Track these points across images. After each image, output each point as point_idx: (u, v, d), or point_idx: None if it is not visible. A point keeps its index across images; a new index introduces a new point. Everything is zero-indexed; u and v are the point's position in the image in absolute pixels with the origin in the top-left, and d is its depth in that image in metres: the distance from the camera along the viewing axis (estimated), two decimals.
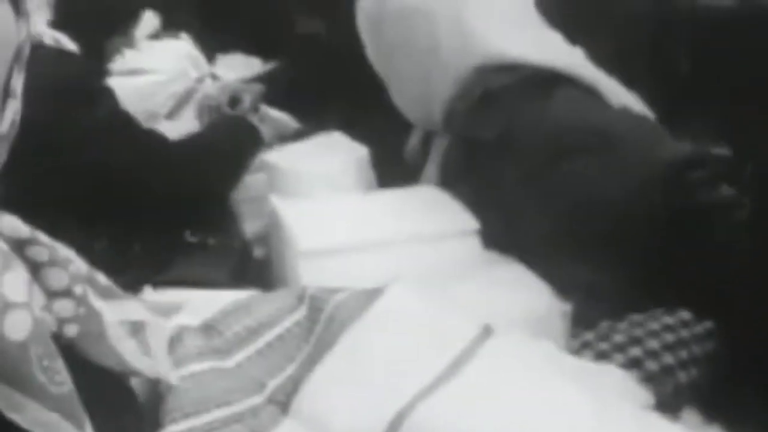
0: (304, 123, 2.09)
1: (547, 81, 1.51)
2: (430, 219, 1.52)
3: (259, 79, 2.44)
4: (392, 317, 1.07)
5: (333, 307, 1.09)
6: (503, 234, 1.47)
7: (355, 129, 1.88)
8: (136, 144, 1.52)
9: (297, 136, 2.01)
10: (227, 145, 1.73)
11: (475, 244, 1.49)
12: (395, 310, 1.08)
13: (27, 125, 1.42)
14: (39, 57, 1.51)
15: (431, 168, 1.67)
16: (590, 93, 1.53)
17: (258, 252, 1.78)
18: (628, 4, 3.73)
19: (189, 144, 1.66)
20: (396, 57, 1.58)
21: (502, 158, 1.47)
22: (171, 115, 2.49)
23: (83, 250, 1.49)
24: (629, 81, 1.63)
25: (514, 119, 1.47)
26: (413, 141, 1.80)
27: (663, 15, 3.87)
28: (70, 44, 1.71)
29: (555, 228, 1.41)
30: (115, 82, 2.23)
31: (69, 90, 1.47)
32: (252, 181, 1.79)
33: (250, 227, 1.79)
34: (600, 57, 1.61)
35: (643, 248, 1.36)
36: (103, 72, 1.64)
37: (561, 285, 1.38)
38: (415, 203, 1.56)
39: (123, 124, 1.52)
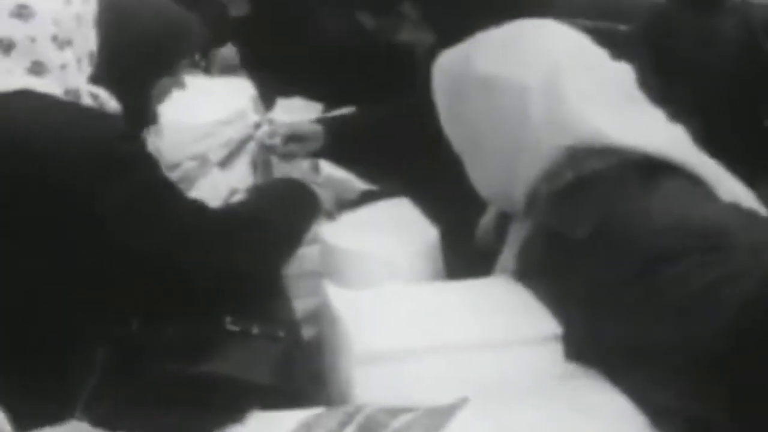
0: (369, 183, 1.91)
1: (647, 168, 1.33)
2: (506, 320, 1.33)
3: (323, 122, 2.25)
4: None
5: None
6: (589, 344, 1.27)
7: (423, 198, 1.70)
8: (168, 221, 1.34)
9: (360, 199, 1.83)
10: (279, 218, 1.55)
11: (556, 352, 1.30)
12: None
13: (55, 194, 1.27)
14: (70, 119, 1.38)
15: (507, 256, 1.48)
16: (695, 183, 1.34)
17: (308, 332, 1.61)
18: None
19: (232, 217, 1.48)
20: (478, 129, 1.41)
21: (594, 256, 1.29)
22: (224, 163, 2.33)
23: (115, 331, 1.35)
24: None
25: (610, 213, 1.28)
26: (486, 222, 1.62)
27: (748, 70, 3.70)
28: (111, 101, 1.55)
29: (653, 343, 1.22)
30: (167, 123, 2.09)
31: (99, 159, 1.31)
32: (305, 255, 1.61)
33: (301, 305, 1.62)
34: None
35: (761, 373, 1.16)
36: (140, 134, 1.46)
37: (655, 413, 1.18)
38: (488, 299, 1.38)
39: (156, 198, 1.35)
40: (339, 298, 1.36)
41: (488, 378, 1.25)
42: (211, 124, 2.51)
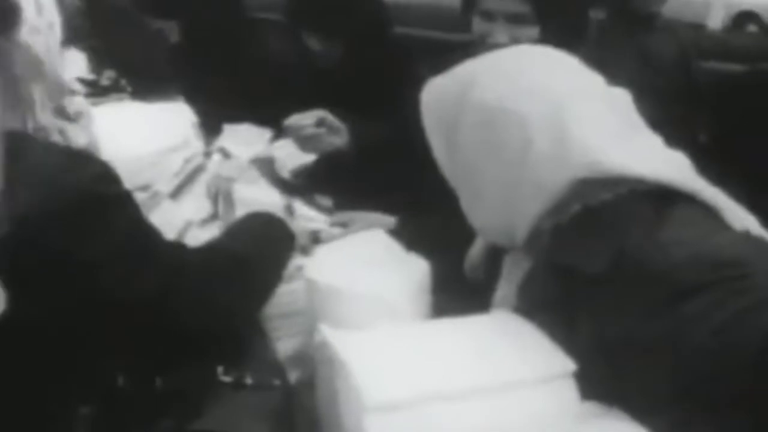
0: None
1: (655, 197, 1.28)
2: (517, 358, 1.27)
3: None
4: None
5: None
6: (608, 383, 1.22)
7: (406, 229, 1.63)
8: (154, 267, 1.24)
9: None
10: (260, 254, 1.46)
11: (570, 390, 1.24)
12: None
13: (29, 246, 1.16)
14: (43, 161, 1.26)
15: (506, 290, 1.42)
16: (704, 211, 1.30)
17: (292, 376, 1.52)
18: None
19: (216, 256, 1.38)
20: (476, 162, 1.34)
21: (608, 291, 1.23)
22: (175, 194, 2.22)
23: (101, 387, 1.24)
24: None
25: (623, 247, 1.23)
26: (475, 254, 1.56)
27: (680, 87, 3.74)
28: (79, 137, 1.44)
29: (677, 381, 1.17)
30: (108, 153, 1.97)
31: (77, 206, 1.20)
32: (284, 293, 1.52)
33: (283, 347, 1.53)
34: None
35: None
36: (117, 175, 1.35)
37: None
38: (495, 337, 1.31)
39: (139, 244, 1.25)
40: (340, 341, 1.27)
41: (507, 422, 1.19)
42: (155, 153, 2.40)
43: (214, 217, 2.12)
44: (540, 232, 1.33)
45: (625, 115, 1.34)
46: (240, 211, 1.93)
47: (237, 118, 2.56)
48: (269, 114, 2.55)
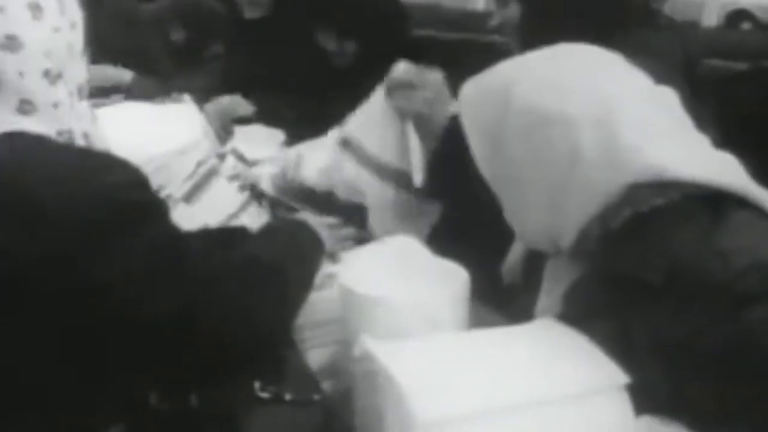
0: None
1: (709, 201, 1.23)
2: (568, 369, 1.22)
3: None
4: None
5: None
6: (667, 395, 1.17)
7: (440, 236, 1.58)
8: (188, 277, 1.19)
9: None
10: (292, 262, 1.40)
11: (625, 403, 1.19)
12: None
13: (61, 255, 1.10)
14: (72, 166, 1.20)
15: (549, 298, 1.37)
16: (758, 214, 1.25)
17: (326, 387, 1.46)
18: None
19: (249, 264, 1.32)
20: (521, 167, 1.30)
21: (666, 300, 1.19)
22: (189, 198, 2.16)
23: (132, 405, 1.18)
24: None
25: (681, 254, 1.18)
26: (513, 260, 1.51)
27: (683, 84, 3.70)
28: (104, 140, 1.39)
29: (740, 392, 1.13)
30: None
31: (110, 213, 1.14)
32: (316, 303, 1.47)
33: (314, 358, 1.47)
34: None
35: None
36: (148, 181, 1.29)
37: None
38: (543, 347, 1.26)
39: (173, 253, 1.19)
40: (384, 353, 1.22)
41: None
42: (163, 156, 2.34)
43: (231, 219, 2.07)
44: (587, 237, 1.28)
45: (673, 115, 1.30)
46: None
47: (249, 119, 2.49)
48: (282, 114, 2.50)
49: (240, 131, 2.46)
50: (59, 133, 1.26)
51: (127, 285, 1.12)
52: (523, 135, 1.28)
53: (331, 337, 1.49)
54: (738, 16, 10.92)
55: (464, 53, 1.84)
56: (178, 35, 3.06)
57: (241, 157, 2.27)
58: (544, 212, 1.30)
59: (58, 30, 1.26)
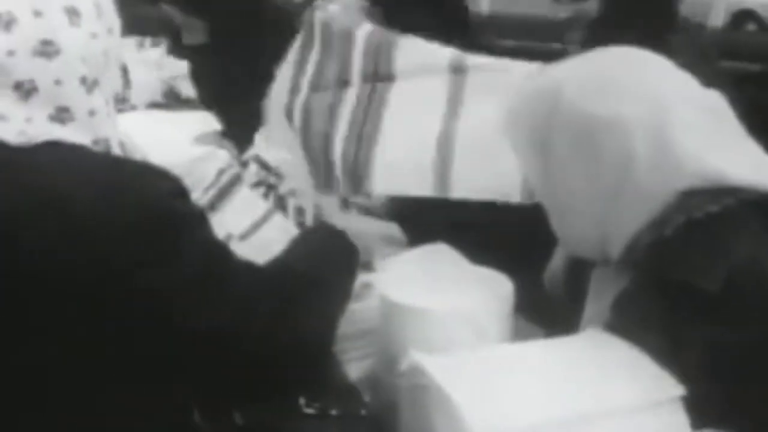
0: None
1: (763, 208, 1.20)
2: (621, 382, 1.19)
3: None
4: None
5: None
6: (722, 407, 1.14)
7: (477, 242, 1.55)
8: (231, 291, 1.16)
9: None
10: (332, 272, 1.37)
11: (680, 416, 1.16)
12: None
13: (105, 268, 1.07)
14: (114, 176, 1.17)
15: (596, 307, 1.34)
16: None
17: (366, 396, 1.43)
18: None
19: (290, 276, 1.29)
20: (570, 174, 1.26)
21: (724, 310, 1.16)
22: (213, 206, 2.13)
23: (175, 423, 1.15)
24: None
25: (739, 263, 1.15)
26: (555, 268, 1.48)
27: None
28: (138, 150, 1.36)
29: None
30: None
31: (154, 224, 1.11)
32: (353, 314, 1.44)
33: (354, 371, 1.44)
34: None
35: None
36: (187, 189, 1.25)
37: None
38: (594, 359, 1.23)
39: (216, 266, 1.16)
40: (434, 367, 1.19)
41: None
42: (182, 164, 2.30)
43: (254, 228, 2.04)
44: (639, 245, 1.25)
45: (725, 119, 1.27)
46: None
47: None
48: None
49: (259, 136, 2.41)
50: (95, 142, 1.23)
51: (173, 296, 1.10)
52: (572, 141, 1.25)
53: (369, 349, 1.46)
54: (743, 16, 10.91)
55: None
56: None
57: (263, 164, 2.24)
58: (594, 219, 1.27)
59: (95, 36, 1.23)
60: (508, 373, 1.20)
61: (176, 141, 2.49)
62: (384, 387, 1.39)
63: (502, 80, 1.67)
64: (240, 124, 2.59)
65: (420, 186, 1.85)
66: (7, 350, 1.08)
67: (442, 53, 1.89)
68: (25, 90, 1.16)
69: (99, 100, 1.23)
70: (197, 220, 1.18)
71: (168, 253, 1.12)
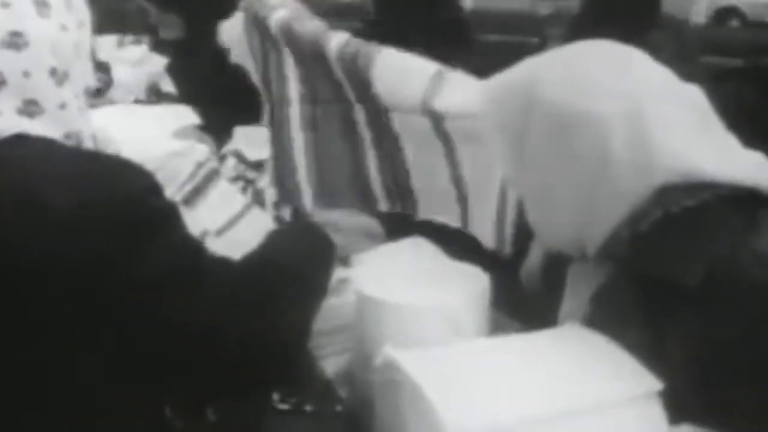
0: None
1: (741, 202, 1.19)
2: (598, 376, 1.18)
3: None
4: None
5: None
6: (706, 405, 1.13)
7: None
8: (207, 285, 1.14)
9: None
10: (310, 267, 1.36)
11: (658, 411, 1.15)
12: None
13: (81, 266, 1.05)
14: (87, 171, 1.14)
15: (574, 302, 1.33)
16: None
17: (342, 392, 1.42)
18: None
19: (267, 271, 1.27)
20: (546, 169, 1.25)
21: (703, 305, 1.15)
22: (189, 201, 2.11)
23: (146, 419, 1.13)
24: None
25: (718, 257, 1.14)
26: (532, 264, 1.47)
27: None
28: (111, 143, 1.34)
29: None
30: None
31: (130, 220, 1.09)
32: (330, 309, 1.42)
33: (329, 366, 1.43)
34: None
35: None
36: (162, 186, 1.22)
37: None
38: (571, 354, 1.22)
39: (191, 261, 1.14)
40: (409, 362, 1.17)
41: None
42: (159, 158, 2.28)
43: (231, 224, 2.02)
44: (616, 240, 1.24)
45: (702, 114, 1.26)
46: None
47: (247, 119, 2.43)
48: None
49: (239, 131, 2.40)
50: (67, 136, 1.21)
51: (146, 293, 1.08)
52: (548, 135, 1.24)
53: (345, 345, 1.44)
54: (726, 12, 10.97)
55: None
56: None
57: (242, 159, 2.22)
58: (571, 214, 1.25)
59: (65, 28, 1.21)
60: (484, 369, 1.19)
61: (153, 135, 2.47)
62: (360, 383, 1.37)
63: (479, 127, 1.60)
64: (218, 118, 2.58)
65: (450, 218, 1.82)
66: None
67: (412, 91, 1.77)
68: None
69: (69, 93, 1.21)
70: (169, 216, 1.16)
71: (140, 250, 1.10)
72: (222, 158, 2.23)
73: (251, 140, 2.34)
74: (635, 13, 2.68)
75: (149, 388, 1.12)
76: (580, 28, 2.76)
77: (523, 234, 1.43)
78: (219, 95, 2.57)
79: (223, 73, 2.67)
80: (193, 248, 1.18)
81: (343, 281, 1.48)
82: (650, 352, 1.19)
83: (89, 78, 1.27)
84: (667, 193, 1.19)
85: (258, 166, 2.21)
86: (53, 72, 1.18)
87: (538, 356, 1.22)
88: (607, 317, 1.26)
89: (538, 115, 1.23)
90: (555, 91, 1.23)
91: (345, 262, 1.56)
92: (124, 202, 1.08)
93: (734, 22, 10.44)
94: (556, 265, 1.42)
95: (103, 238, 1.07)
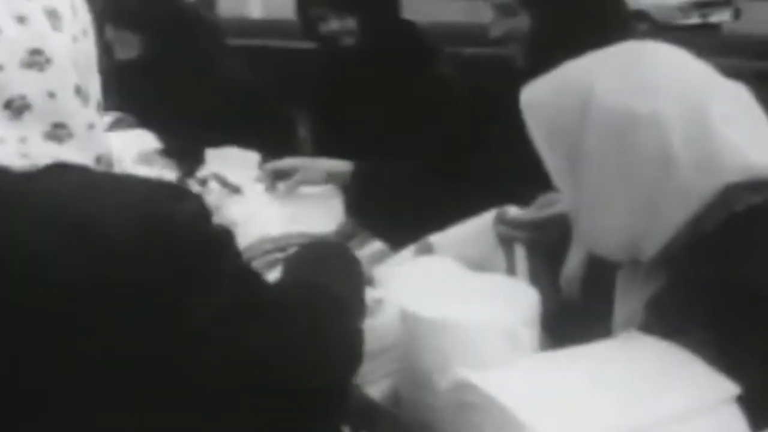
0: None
1: None
2: (676, 385, 1.15)
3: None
4: None
5: None
6: None
7: None
8: (268, 319, 1.07)
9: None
10: (349, 289, 1.29)
11: (738, 417, 1.13)
12: None
13: (138, 304, 0.96)
14: (136, 201, 1.05)
15: (628, 309, 1.30)
16: None
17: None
18: None
19: (317, 297, 1.20)
20: (604, 172, 1.22)
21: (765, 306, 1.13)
22: None
23: None
24: None
25: None
26: (572, 270, 1.44)
27: None
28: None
29: None
30: None
31: (188, 252, 1.01)
32: (369, 331, 1.35)
33: (375, 392, 1.37)
34: None
35: None
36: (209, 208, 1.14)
37: None
38: (641, 363, 1.19)
39: (250, 292, 1.06)
40: (487, 383, 1.13)
41: None
42: None
43: None
44: (676, 243, 1.22)
45: (755, 111, 1.25)
46: None
47: (214, 141, 2.35)
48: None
49: (213, 155, 2.31)
50: (98, 160, 1.12)
51: (213, 324, 1.00)
52: (607, 139, 1.21)
53: (389, 368, 1.38)
54: (636, 16, 11.19)
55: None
56: None
57: (224, 182, 2.14)
58: (628, 218, 1.23)
59: (76, 39, 1.09)
60: (561, 385, 1.15)
61: (118, 161, 2.36)
62: (412, 406, 1.32)
63: None
64: (181, 142, 2.48)
65: None
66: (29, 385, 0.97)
67: None
68: (15, 107, 1.04)
69: (94, 112, 1.12)
70: (226, 241, 1.09)
71: (203, 280, 1.02)
72: (203, 183, 2.14)
73: (227, 162, 2.25)
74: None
75: (206, 422, 1.04)
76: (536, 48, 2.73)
77: None
78: (185, 118, 2.48)
79: (182, 92, 2.58)
80: (250, 273, 1.11)
81: (378, 302, 1.42)
82: (722, 356, 1.16)
83: (98, 90, 1.16)
84: (730, 192, 1.18)
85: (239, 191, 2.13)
86: (78, 90, 1.08)
87: (609, 367, 1.19)
88: (668, 322, 1.24)
89: (594, 117, 1.21)
90: (613, 93, 1.20)
91: (370, 281, 1.51)
92: (180, 234, 1.00)
93: (643, 26, 10.69)
94: (600, 272, 1.39)
95: (167, 269, 0.99)
